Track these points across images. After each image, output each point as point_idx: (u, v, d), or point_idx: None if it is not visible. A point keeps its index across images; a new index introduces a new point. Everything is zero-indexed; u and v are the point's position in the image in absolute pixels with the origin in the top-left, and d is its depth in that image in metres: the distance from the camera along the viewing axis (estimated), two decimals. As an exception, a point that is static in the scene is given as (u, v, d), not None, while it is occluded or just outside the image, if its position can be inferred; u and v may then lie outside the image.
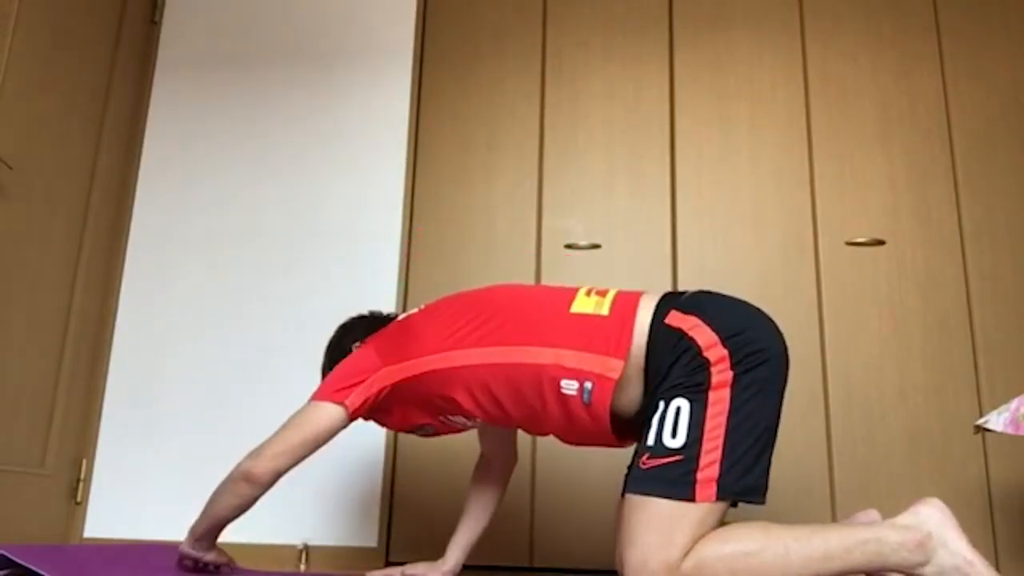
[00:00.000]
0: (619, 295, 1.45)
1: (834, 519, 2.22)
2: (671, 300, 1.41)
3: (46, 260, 2.28)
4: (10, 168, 2.10)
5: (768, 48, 2.60)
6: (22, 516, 2.19)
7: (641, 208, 2.52)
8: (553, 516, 2.31)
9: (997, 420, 1.84)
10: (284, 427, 1.50)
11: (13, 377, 2.16)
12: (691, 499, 1.22)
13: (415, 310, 1.62)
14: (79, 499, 2.42)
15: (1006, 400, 2.17)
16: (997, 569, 2.11)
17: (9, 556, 1.36)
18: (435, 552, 1.85)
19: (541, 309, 1.45)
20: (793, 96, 2.56)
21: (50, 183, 2.29)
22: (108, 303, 2.57)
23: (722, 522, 1.27)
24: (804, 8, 2.62)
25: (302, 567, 2.30)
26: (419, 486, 2.37)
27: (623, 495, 1.28)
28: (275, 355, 2.51)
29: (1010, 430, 1.81)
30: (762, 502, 1.26)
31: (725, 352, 1.29)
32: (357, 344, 1.64)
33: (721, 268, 2.44)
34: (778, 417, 1.33)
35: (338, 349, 1.68)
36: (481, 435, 1.82)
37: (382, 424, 1.63)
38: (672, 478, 1.23)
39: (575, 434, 1.45)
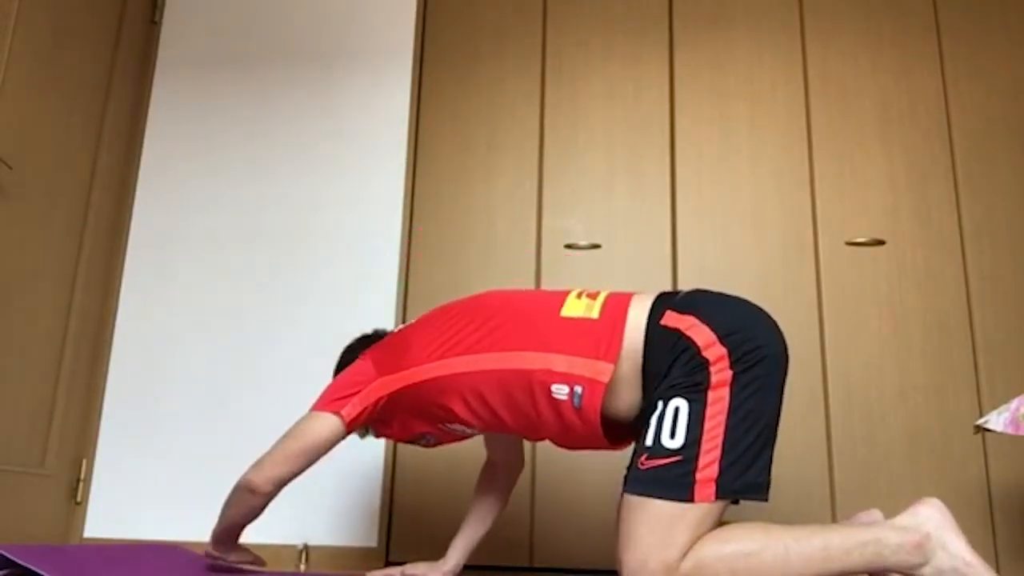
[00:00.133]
0: (610, 297, 1.45)
1: (834, 519, 2.22)
2: (666, 300, 1.40)
3: (46, 260, 2.28)
4: (10, 168, 2.10)
5: (768, 48, 2.60)
6: (22, 516, 2.19)
7: (641, 208, 2.52)
8: (553, 516, 2.31)
9: (997, 420, 1.84)
10: (283, 437, 1.51)
11: (13, 377, 2.16)
12: (690, 499, 1.22)
13: (413, 321, 1.62)
14: (79, 499, 2.42)
15: (1006, 400, 2.17)
16: (997, 569, 2.11)
17: (9, 556, 1.35)
18: (435, 552, 1.85)
19: (532, 314, 1.45)
20: (793, 96, 2.56)
21: (50, 183, 2.29)
22: (108, 303, 2.57)
23: (722, 521, 1.27)
24: (804, 8, 2.62)
25: (302, 567, 2.30)
26: (419, 486, 2.37)
27: (622, 495, 1.28)
28: (275, 354, 2.51)
29: (1010, 430, 1.81)
30: (764, 499, 1.26)
31: (724, 351, 1.29)
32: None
33: (721, 268, 2.44)
34: (779, 413, 1.33)
35: (342, 367, 1.68)
36: (487, 441, 1.82)
37: (383, 435, 1.63)
38: (670, 479, 1.23)
39: (570, 439, 1.45)
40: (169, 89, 2.78)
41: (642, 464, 1.26)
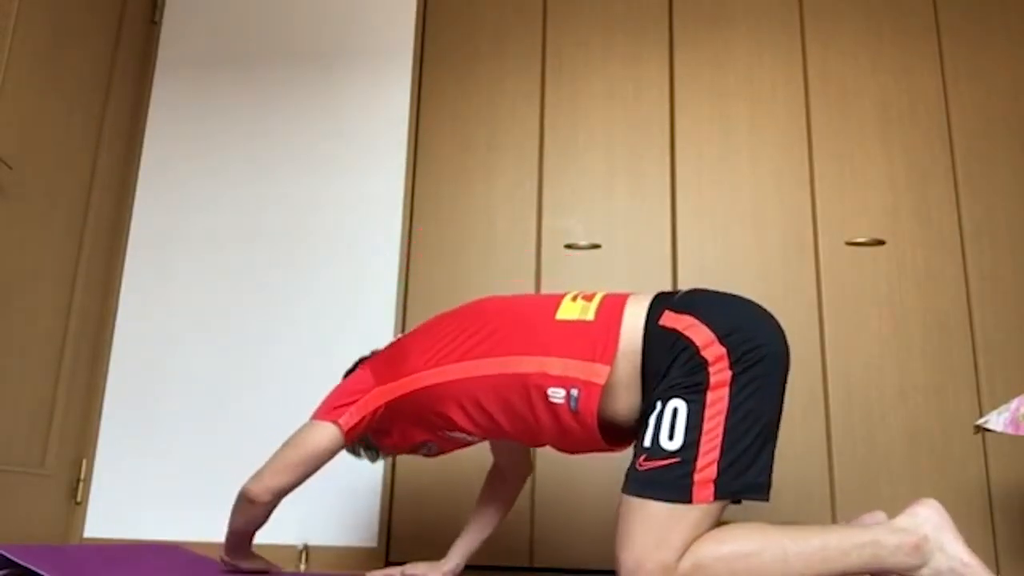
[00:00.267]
0: (605, 299, 1.44)
1: (834, 519, 2.22)
2: (663, 300, 1.39)
3: (46, 260, 2.28)
4: (10, 168, 2.10)
5: (768, 48, 2.60)
6: (22, 516, 2.19)
7: (641, 208, 2.52)
8: (553, 516, 2.31)
9: (997, 420, 1.84)
10: (282, 446, 1.51)
11: (13, 377, 2.16)
12: (688, 501, 1.21)
13: (412, 329, 1.62)
14: (79, 499, 2.42)
15: (1006, 400, 2.17)
16: (997, 570, 2.11)
17: (9, 556, 1.35)
18: (435, 552, 1.85)
19: (527, 318, 1.44)
20: (793, 96, 2.56)
21: (50, 183, 2.29)
22: (108, 303, 2.58)
23: (721, 521, 1.27)
24: (804, 8, 2.62)
25: (302, 567, 2.30)
26: (419, 486, 2.37)
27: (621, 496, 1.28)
28: (275, 354, 2.51)
29: (1010, 430, 1.81)
30: (765, 499, 1.25)
31: (723, 350, 1.28)
32: None
33: (721, 268, 2.44)
34: (779, 412, 1.32)
35: None
36: (492, 446, 1.81)
37: (384, 445, 1.62)
38: (669, 480, 1.23)
39: (569, 443, 1.44)
40: (169, 89, 2.78)
41: (640, 465, 1.26)
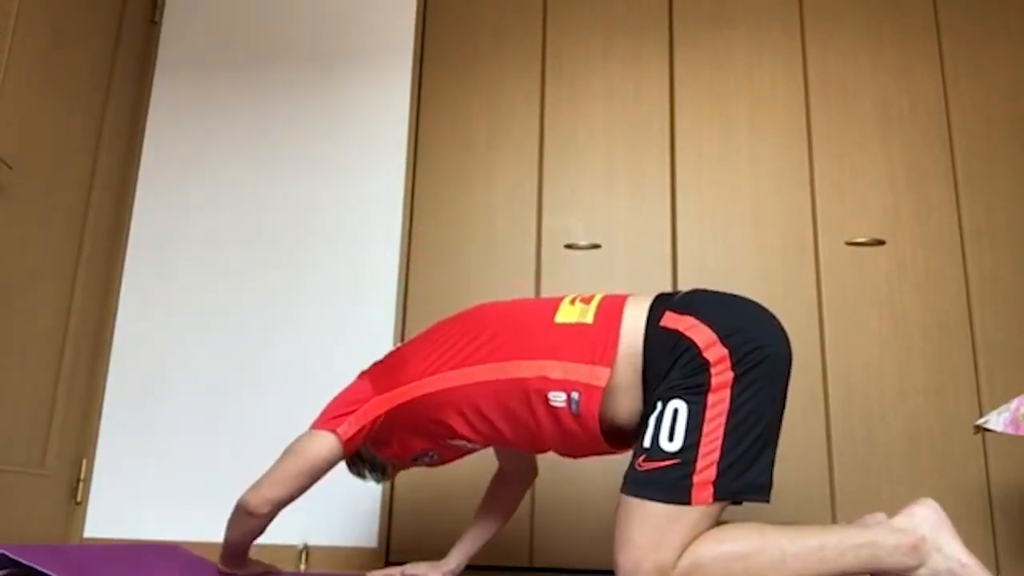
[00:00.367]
0: (604, 301, 1.43)
1: (834, 519, 2.22)
2: (664, 301, 1.38)
3: (46, 260, 2.28)
4: (10, 168, 2.10)
5: (768, 47, 2.60)
6: (22, 516, 2.19)
7: (641, 208, 2.52)
8: (553, 516, 2.31)
9: (997, 420, 1.84)
10: (281, 456, 1.50)
11: (13, 377, 2.16)
12: (687, 502, 1.21)
13: (412, 338, 1.61)
14: (79, 499, 2.42)
15: (1006, 400, 2.17)
16: (997, 569, 2.11)
17: (9, 556, 1.35)
18: (435, 552, 1.85)
19: (526, 322, 1.43)
20: (793, 96, 2.56)
21: (50, 183, 2.29)
22: (108, 303, 2.58)
23: (720, 521, 1.26)
24: (804, 8, 2.62)
25: (302, 567, 2.30)
26: (419, 487, 2.37)
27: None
28: (275, 354, 2.51)
29: (1010, 430, 1.81)
30: (765, 500, 1.25)
31: (725, 352, 1.27)
32: None
33: (721, 268, 2.44)
34: (781, 413, 1.32)
35: None
36: (497, 450, 1.80)
37: (385, 456, 1.60)
38: (668, 482, 1.22)
39: (572, 447, 1.43)
40: (169, 89, 2.78)
41: (640, 465, 1.26)
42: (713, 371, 1.26)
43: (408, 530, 2.34)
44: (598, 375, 1.33)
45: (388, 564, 2.27)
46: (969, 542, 1.25)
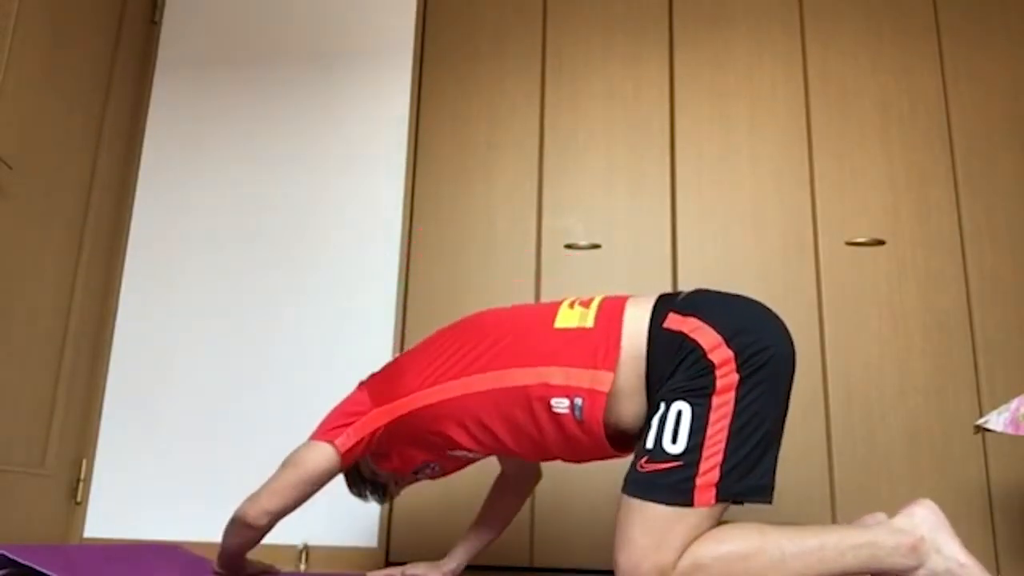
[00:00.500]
0: (604, 303, 1.41)
1: (834, 519, 2.22)
2: (667, 302, 1.37)
3: (46, 260, 2.28)
4: (10, 168, 2.10)
5: (768, 47, 2.60)
6: (22, 516, 2.19)
7: (641, 208, 2.52)
8: (553, 516, 2.31)
9: (997, 420, 1.84)
10: (279, 467, 1.49)
11: (13, 377, 2.16)
12: (689, 504, 1.21)
13: (411, 348, 1.59)
14: (79, 499, 2.42)
15: (1006, 400, 2.17)
16: (997, 569, 2.11)
17: (9, 556, 1.35)
18: (435, 553, 1.85)
19: (525, 329, 1.41)
20: (793, 95, 2.56)
21: (50, 183, 2.29)
22: (108, 303, 2.58)
23: (720, 520, 1.26)
24: (804, 8, 2.62)
25: (302, 567, 2.30)
26: (419, 487, 2.37)
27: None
28: (275, 354, 2.51)
29: (1010, 430, 1.81)
30: (768, 502, 1.25)
31: (730, 353, 1.26)
32: None
33: (721, 268, 2.44)
34: (784, 413, 1.31)
35: None
36: (499, 456, 1.78)
37: (385, 469, 1.58)
38: (670, 484, 1.22)
39: (577, 453, 1.42)
40: (169, 89, 2.78)
41: (642, 467, 1.25)
42: (718, 373, 1.26)
43: (408, 530, 2.34)
44: (601, 380, 1.32)
45: (388, 564, 2.27)
46: (969, 542, 1.25)
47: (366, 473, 1.64)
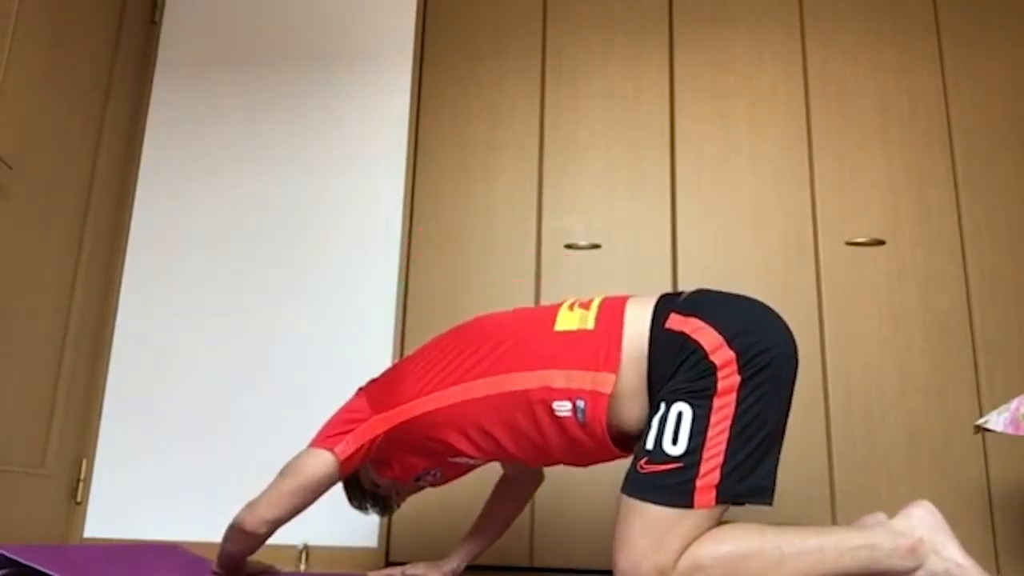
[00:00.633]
0: (604, 304, 1.40)
1: (834, 519, 2.22)
2: (668, 302, 1.36)
3: (46, 260, 2.28)
4: (10, 168, 2.10)
5: (768, 47, 2.60)
6: (22, 516, 2.19)
7: (641, 208, 2.52)
8: (553, 516, 2.31)
9: (997, 420, 1.84)
10: (278, 475, 1.48)
11: (13, 377, 2.16)
12: (688, 506, 1.21)
13: (410, 353, 1.58)
14: (79, 499, 2.42)
15: (1006, 400, 2.17)
16: (997, 569, 2.11)
17: (9, 556, 1.35)
18: (435, 553, 1.85)
19: (525, 333, 1.40)
20: (793, 95, 2.56)
21: (50, 183, 2.29)
22: (108, 303, 2.58)
23: (720, 520, 1.26)
24: (804, 8, 2.62)
25: (302, 567, 2.30)
26: (419, 486, 2.37)
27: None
28: (275, 354, 2.51)
29: (1010, 430, 1.81)
30: (768, 503, 1.25)
31: (732, 354, 1.25)
32: None
33: (721, 268, 2.44)
34: (786, 414, 1.31)
35: None
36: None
37: (386, 476, 1.57)
38: (670, 486, 1.22)
39: (580, 457, 1.41)
40: (169, 89, 2.78)
41: (642, 468, 1.25)
42: (720, 375, 1.25)
43: (408, 530, 2.34)
44: (603, 381, 1.31)
45: (388, 564, 2.27)
46: (969, 542, 1.25)
47: (366, 484, 1.63)
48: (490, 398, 1.37)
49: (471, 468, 1.60)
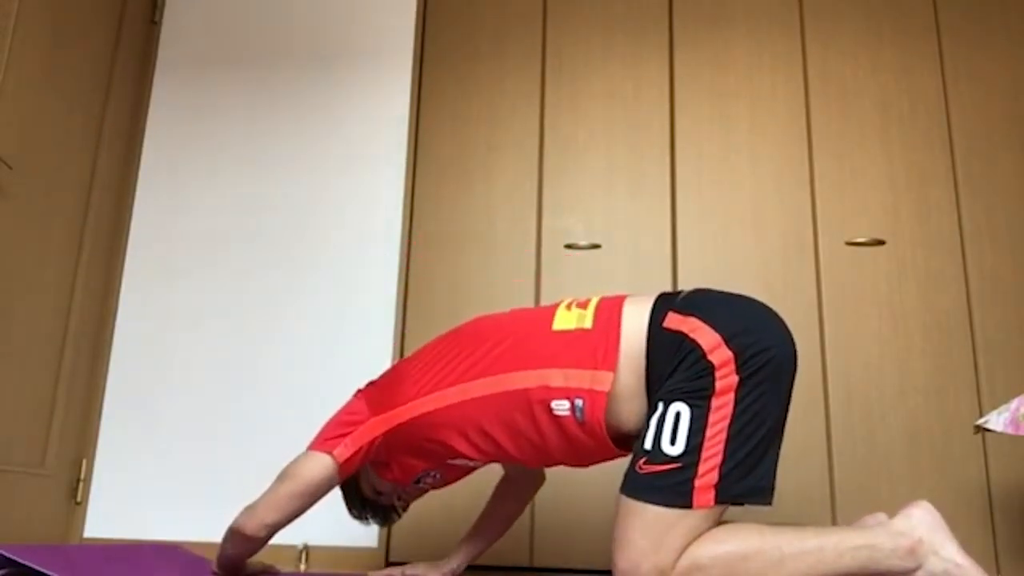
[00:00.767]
0: (602, 304, 1.40)
1: (834, 519, 2.22)
2: (667, 301, 1.36)
3: (46, 260, 2.28)
4: (10, 168, 2.10)
5: (768, 47, 2.60)
6: (22, 516, 2.19)
7: (641, 208, 2.52)
8: (553, 516, 2.31)
9: (997, 420, 1.84)
10: (277, 479, 1.47)
11: (13, 377, 2.16)
12: (687, 506, 1.21)
13: (409, 355, 1.58)
14: (79, 499, 2.42)
15: (1006, 400, 2.17)
16: (997, 569, 2.11)
17: (9, 556, 1.35)
18: (435, 553, 1.85)
19: (522, 333, 1.40)
20: (793, 96, 2.55)
21: (50, 183, 2.29)
22: (108, 303, 2.58)
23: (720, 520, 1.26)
24: (804, 8, 2.62)
25: (302, 567, 2.30)
26: (419, 486, 2.37)
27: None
28: (275, 354, 2.51)
29: (1010, 430, 1.81)
30: (768, 503, 1.25)
31: (730, 354, 1.25)
32: None
33: (721, 268, 2.44)
34: (785, 413, 1.31)
35: None
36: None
37: (386, 479, 1.57)
38: (669, 486, 1.22)
39: (580, 456, 1.41)
40: (169, 89, 2.78)
41: (640, 468, 1.25)
42: (718, 374, 1.25)
43: (408, 530, 2.34)
44: (601, 380, 1.31)
45: (388, 564, 2.27)
46: (969, 542, 1.25)
47: (367, 491, 1.62)
48: (488, 398, 1.37)
49: (471, 470, 1.60)
